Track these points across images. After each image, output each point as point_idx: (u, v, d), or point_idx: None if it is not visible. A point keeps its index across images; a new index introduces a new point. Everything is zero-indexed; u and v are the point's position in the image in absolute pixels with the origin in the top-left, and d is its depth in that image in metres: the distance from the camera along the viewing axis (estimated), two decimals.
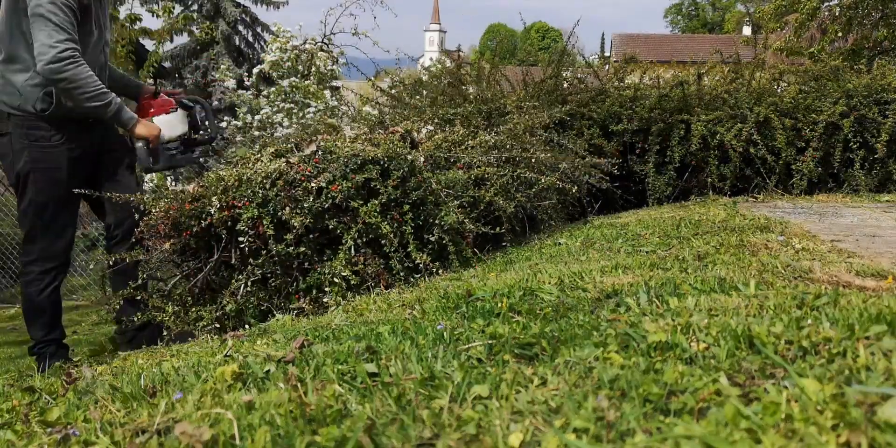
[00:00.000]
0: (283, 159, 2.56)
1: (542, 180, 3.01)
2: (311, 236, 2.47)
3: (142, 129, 2.71)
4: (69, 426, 1.16)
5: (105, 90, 2.55)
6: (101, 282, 3.87)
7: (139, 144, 2.77)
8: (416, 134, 2.99)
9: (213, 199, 2.47)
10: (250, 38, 18.19)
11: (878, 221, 2.93)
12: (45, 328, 2.80)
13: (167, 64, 16.89)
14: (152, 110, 2.88)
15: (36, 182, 2.59)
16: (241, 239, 2.46)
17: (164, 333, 2.60)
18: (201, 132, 2.95)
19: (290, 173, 2.48)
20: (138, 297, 2.67)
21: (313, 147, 2.62)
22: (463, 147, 2.97)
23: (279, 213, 2.41)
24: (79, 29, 2.52)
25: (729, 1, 50.69)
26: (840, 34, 9.36)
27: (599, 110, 4.53)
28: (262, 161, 2.61)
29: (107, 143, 2.79)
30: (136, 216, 2.71)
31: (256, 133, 8.66)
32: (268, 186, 2.46)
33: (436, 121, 3.50)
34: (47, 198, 2.63)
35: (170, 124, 2.86)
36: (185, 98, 2.97)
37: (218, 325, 2.52)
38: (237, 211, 2.44)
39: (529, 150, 3.20)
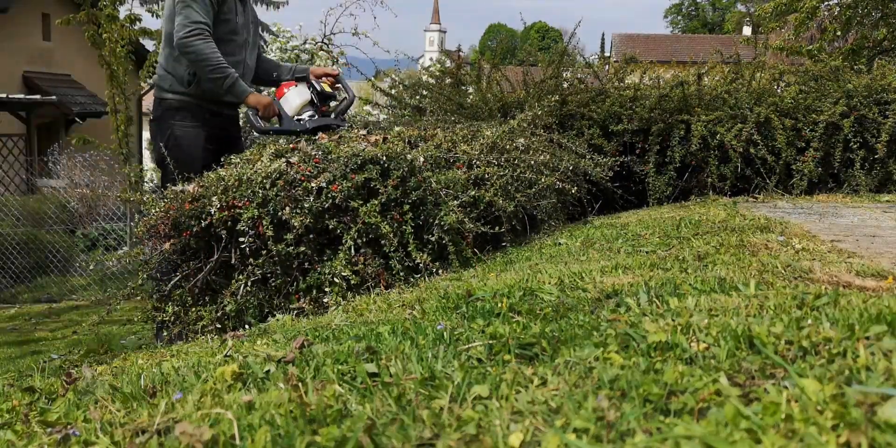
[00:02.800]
0: (283, 159, 2.57)
1: (542, 180, 3.01)
2: (311, 236, 2.47)
3: (252, 99, 3.16)
4: (69, 426, 1.16)
5: (225, 66, 3.04)
6: (101, 282, 3.88)
7: (250, 112, 3.20)
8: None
9: (213, 199, 2.47)
10: None
11: (879, 221, 2.93)
12: None
13: None
14: (280, 89, 3.33)
15: (176, 159, 3.08)
16: (241, 239, 2.46)
17: (164, 333, 2.60)
18: (333, 102, 3.34)
19: (290, 173, 2.48)
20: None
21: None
22: (464, 146, 2.97)
23: (279, 213, 2.41)
24: (218, 24, 3.10)
25: (729, 1, 50.68)
26: (839, 33, 9.36)
27: (599, 110, 4.53)
28: (262, 161, 2.61)
29: (233, 129, 3.46)
30: None
31: (256, 133, 8.66)
32: (268, 186, 2.46)
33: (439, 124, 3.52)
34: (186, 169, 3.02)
35: (291, 97, 3.25)
36: (313, 76, 3.33)
37: (218, 326, 2.52)
38: (237, 211, 2.44)
39: (529, 151, 3.20)
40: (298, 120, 3.20)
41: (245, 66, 3.32)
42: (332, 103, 3.38)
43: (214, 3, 3.07)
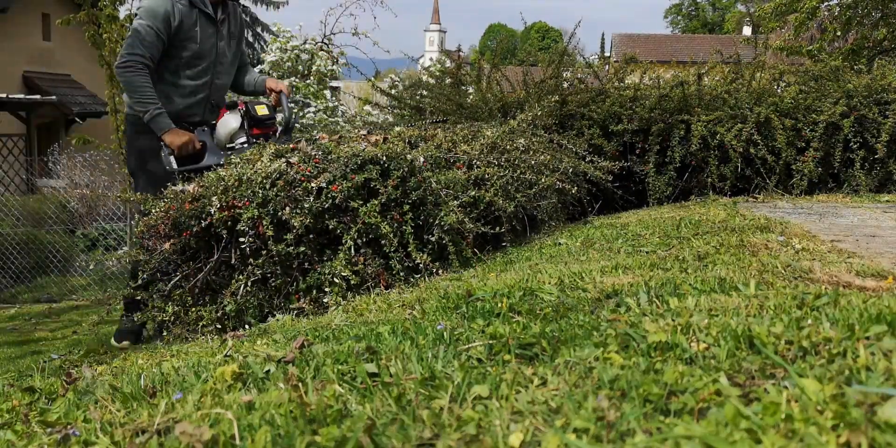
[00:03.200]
0: (283, 159, 2.56)
1: (542, 180, 3.01)
2: (311, 236, 2.46)
3: (166, 137, 3.12)
4: (69, 426, 1.16)
5: (149, 100, 3.07)
6: (101, 282, 3.90)
7: (164, 151, 3.15)
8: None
9: (214, 199, 2.47)
10: (250, 38, 18.19)
11: (879, 221, 2.93)
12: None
13: None
14: (219, 117, 3.34)
15: (143, 171, 3.22)
16: (241, 239, 2.46)
17: (164, 333, 2.60)
18: (269, 122, 3.28)
19: (290, 173, 2.48)
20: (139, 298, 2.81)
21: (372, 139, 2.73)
22: (464, 146, 2.97)
23: (279, 214, 2.41)
24: (179, 50, 3.15)
25: (729, 1, 50.68)
26: (839, 33, 9.36)
27: (599, 110, 4.53)
28: (262, 161, 2.61)
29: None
30: None
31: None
32: (268, 186, 2.45)
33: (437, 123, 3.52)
34: (154, 182, 3.11)
35: (219, 127, 3.27)
36: (247, 100, 3.39)
37: (218, 326, 2.52)
38: (237, 211, 2.44)
39: (530, 151, 3.20)
40: (230, 147, 3.20)
41: (213, 87, 3.33)
42: (280, 116, 3.38)
43: (163, 34, 3.08)
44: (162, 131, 3.11)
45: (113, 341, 3.25)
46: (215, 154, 3.18)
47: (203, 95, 3.30)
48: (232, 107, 3.26)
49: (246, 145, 3.17)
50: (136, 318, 2.81)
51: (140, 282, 2.70)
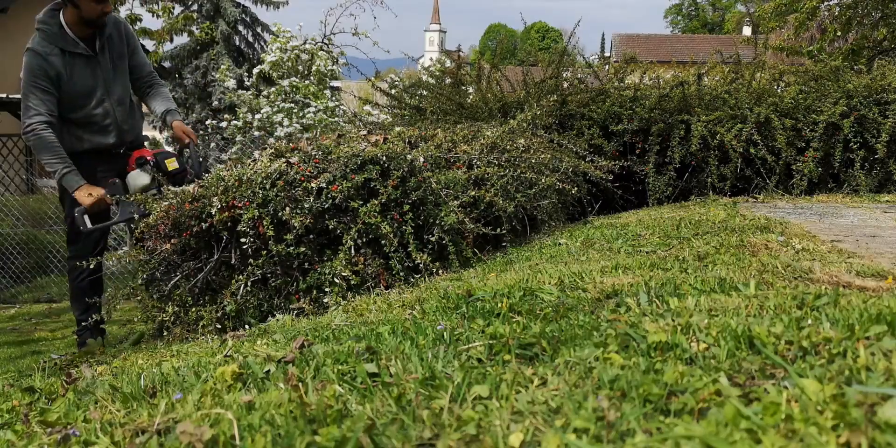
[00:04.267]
0: (283, 159, 2.56)
1: (542, 180, 3.01)
2: (311, 236, 2.46)
3: (78, 195, 3.10)
4: (69, 426, 1.16)
5: (57, 161, 3.08)
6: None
7: (76, 210, 3.10)
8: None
9: (214, 199, 2.47)
10: (250, 38, 18.17)
11: (879, 222, 2.93)
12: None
13: (167, 64, 16.88)
14: (129, 163, 3.25)
15: (70, 202, 3.19)
16: (241, 239, 2.46)
17: (164, 333, 2.60)
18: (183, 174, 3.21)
19: (290, 174, 2.48)
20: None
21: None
22: (464, 146, 2.97)
23: (279, 214, 2.41)
24: (65, 93, 3.10)
25: (729, 1, 50.68)
26: (839, 34, 9.36)
27: (599, 110, 4.53)
28: (262, 161, 2.61)
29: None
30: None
31: (256, 133, 8.66)
32: (268, 187, 2.45)
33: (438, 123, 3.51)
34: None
35: (130, 182, 3.20)
36: (154, 153, 3.24)
37: (218, 326, 2.52)
38: (237, 211, 2.44)
39: (530, 151, 3.20)
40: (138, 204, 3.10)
41: (115, 112, 3.27)
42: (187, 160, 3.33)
43: (49, 87, 3.06)
44: (72, 189, 3.09)
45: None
46: (128, 207, 3.09)
47: (108, 122, 3.25)
48: (142, 163, 3.18)
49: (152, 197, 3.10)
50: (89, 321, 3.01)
51: (141, 281, 2.70)
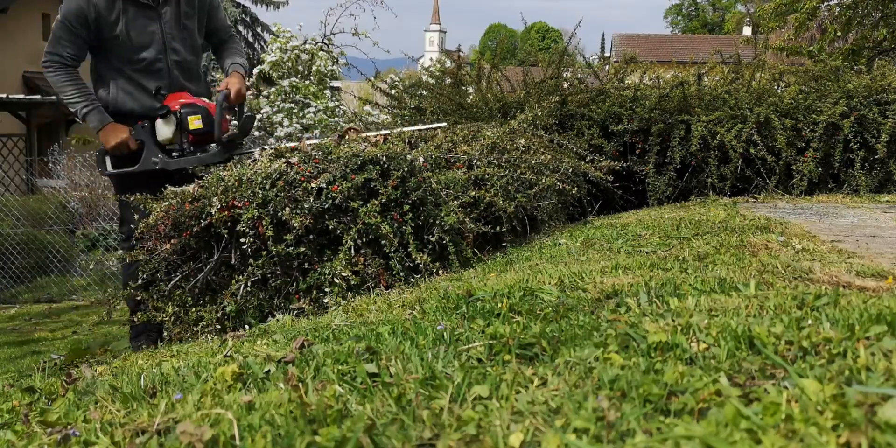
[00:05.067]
0: (283, 160, 2.57)
1: (543, 181, 3.01)
2: (311, 237, 2.46)
3: (101, 135, 2.94)
4: (69, 426, 1.16)
5: (76, 99, 2.90)
6: (101, 282, 3.90)
7: (98, 151, 2.99)
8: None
9: (214, 199, 2.47)
10: (250, 38, 18.19)
11: (879, 222, 2.93)
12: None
13: None
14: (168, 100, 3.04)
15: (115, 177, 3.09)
16: (241, 239, 2.46)
17: (164, 334, 2.60)
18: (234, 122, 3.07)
19: (290, 174, 2.48)
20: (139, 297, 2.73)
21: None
22: (464, 147, 2.97)
23: (279, 214, 2.41)
24: (109, 44, 2.94)
25: (729, 1, 50.67)
26: (839, 34, 9.36)
27: (599, 110, 4.53)
28: (262, 161, 2.61)
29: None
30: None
31: (256, 133, 8.66)
32: (268, 187, 2.45)
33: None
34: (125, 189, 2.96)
35: (158, 127, 3.00)
36: (183, 103, 3.02)
37: (218, 326, 2.52)
38: (237, 211, 2.44)
39: (531, 151, 3.20)
40: (162, 156, 2.97)
41: (171, 76, 3.05)
42: (234, 123, 3.13)
43: (78, 30, 2.86)
44: (96, 128, 2.91)
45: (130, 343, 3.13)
46: (153, 155, 2.94)
47: (160, 85, 3.01)
48: (163, 113, 2.97)
49: (174, 159, 2.98)
50: (135, 319, 2.73)
51: (141, 282, 2.69)
